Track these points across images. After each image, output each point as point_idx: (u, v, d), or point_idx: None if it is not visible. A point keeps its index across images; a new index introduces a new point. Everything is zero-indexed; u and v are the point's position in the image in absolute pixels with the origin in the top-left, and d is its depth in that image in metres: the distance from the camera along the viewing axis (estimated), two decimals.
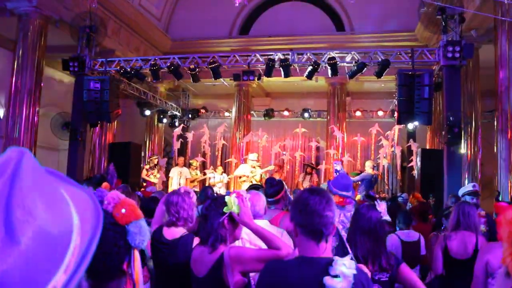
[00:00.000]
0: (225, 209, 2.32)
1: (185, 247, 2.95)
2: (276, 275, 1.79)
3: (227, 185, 12.07)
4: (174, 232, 3.04)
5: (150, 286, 3.40)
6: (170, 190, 9.54)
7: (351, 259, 1.70)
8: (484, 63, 10.40)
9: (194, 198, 3.23)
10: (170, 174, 11.61)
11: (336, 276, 1.60)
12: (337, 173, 9.57)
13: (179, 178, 11.56)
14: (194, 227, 5.02)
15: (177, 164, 11.89)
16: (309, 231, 1.73)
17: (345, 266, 1.61)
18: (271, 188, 4.13)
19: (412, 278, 2.51)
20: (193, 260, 2.52)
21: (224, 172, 12.25)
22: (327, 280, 1.60)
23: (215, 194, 6.28)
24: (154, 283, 3.24)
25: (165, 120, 14.58)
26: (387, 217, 2.44)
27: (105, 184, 7.49)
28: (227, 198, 2.34)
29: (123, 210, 1.33)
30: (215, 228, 2.35)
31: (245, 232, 2.61)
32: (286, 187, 4.32)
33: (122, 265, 1.33)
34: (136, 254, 1.38)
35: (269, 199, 4.03)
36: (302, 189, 6.41)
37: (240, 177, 11.01)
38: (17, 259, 0.57)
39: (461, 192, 6.33)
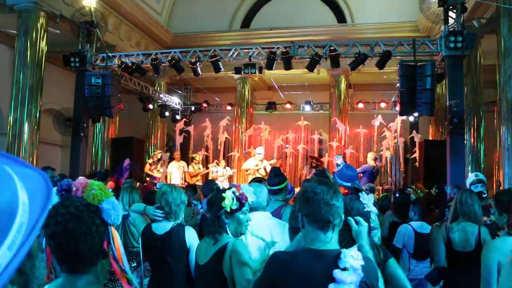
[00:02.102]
0: (222, 204, 2.39)
1: (178, 237, 3.01)
2: (282, 267, 1.75)
3: (230, 179, 12.08)
4: (164, 226, 3.07)
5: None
6: None
7: (358, 249, 1.69)
8: (486, 54, 10.35)
9: (183, 196, 3.20)
10: (168, 170, 11.60)
11: (345, 269, 1.59)
12: (338, 167, 9.55)
13: (181, 172, 11.56)
14: (197, 221, 5.04)
15: (173, 159, 11.91)
16: (316, 219, 1.72)
17: (353, 258, 1.60)
18: (275, 177, 4.03)
19: (397, 274, 2.41)
20: (198, 249, 2.66)
21: (227, 165, 12.26)
22: (337, 273, 1.59)
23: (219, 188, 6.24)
24: (154, 282, 3.21)
25: (167, 114, 14.57)
26: (371, 209, 2.40)
27: (110, 183, 7.50)
28: (224, 193, 2.41)
29: (93, 191, 1.37)
30: (214, 220, 2.45)
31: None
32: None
33: (102, 244, 1.36)
34: (114, 232, 1.42)
35: (273, 188, 3.93)
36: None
37: (246, 170, 11.06)
38: None
39: (467, 183, 6.30)
